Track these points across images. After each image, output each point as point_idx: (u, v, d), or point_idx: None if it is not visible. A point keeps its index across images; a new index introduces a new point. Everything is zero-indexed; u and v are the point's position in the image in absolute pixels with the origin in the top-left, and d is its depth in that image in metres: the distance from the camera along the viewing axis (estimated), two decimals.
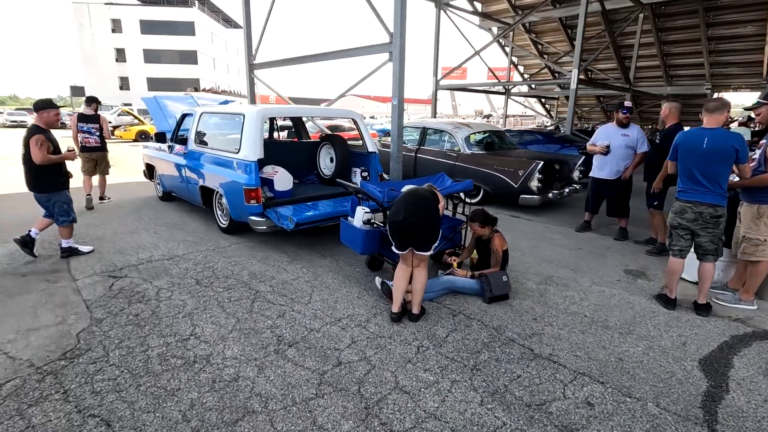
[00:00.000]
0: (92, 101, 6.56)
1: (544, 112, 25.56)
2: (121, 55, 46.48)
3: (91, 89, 45.99)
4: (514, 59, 19.30)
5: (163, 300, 3.32)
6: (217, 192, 5.03)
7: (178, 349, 2.63)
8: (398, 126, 6.28)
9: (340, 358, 2.57)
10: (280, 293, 3.47)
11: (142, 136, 20.07)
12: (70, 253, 4.29)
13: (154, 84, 46.99)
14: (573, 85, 11.15)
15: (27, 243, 4.14)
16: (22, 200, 6.59)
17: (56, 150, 4.11)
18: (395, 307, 2.99)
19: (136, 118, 21.55)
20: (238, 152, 4.46)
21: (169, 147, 6.00)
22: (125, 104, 33.59)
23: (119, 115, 24.19)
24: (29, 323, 2.94)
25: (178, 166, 5.67)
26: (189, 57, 47.28)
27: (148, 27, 45.77)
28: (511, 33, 16.11)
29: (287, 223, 4.04)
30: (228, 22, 58.65)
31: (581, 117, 23.15)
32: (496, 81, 18.69)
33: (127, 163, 11.92)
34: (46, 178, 4.09)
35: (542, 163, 6.24)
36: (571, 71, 12.92)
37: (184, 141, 5.99)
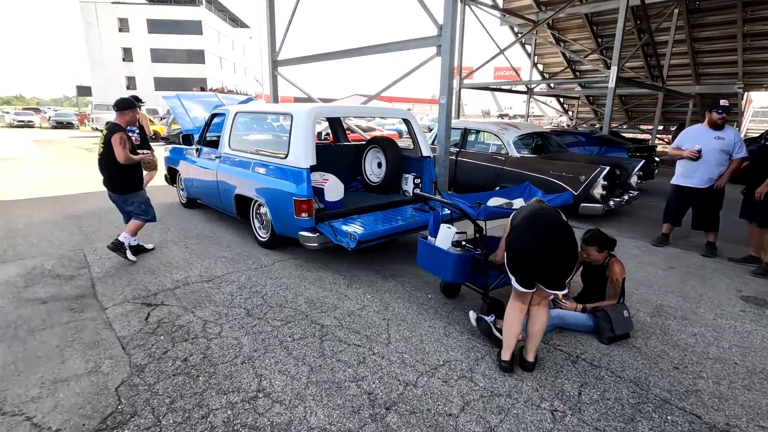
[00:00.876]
0: (136, 100, 6.18)
1: (562, 112, 24.91)
2: (128, 54, 46.13)
3: (98, 89, 45.67)
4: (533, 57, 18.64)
5: (213, 338, 2.76)
6: (256, 202, 4.48)
7: (248, 414, 2.06)
8: (446, 127, 5.71)
9: (458, 428, 1.99)
10: (350, 328, 2.90)
11: (152, 137, 19.59)
12: (117, 248, 3.99)
13: (160, 84, 46.60)
14: (611, 84, 10.53)
15: (121, 248, 4.02)
16: (34, 205, 6.06)
17: (132, 150, 4.01)
18: (506, 354, 2.41)
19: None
20: (285, 157, 3.89)
21: (197, 150, 5.45)
22: None
23: None
24: (56, 372, 2.38)
25: (208, 172, 5.12)
26: (196, 56, 46.86)
27: (156, 26, 45.39)
28: (534, 30, 15.49)
29: (347, 240, 3.47)
30: (235, 21, 58.22)
31: (601, 118, 22.49)
32: (519, 80, 18.09)
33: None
34: (126, 179, 3.96)
35: (608, 168, 5.65)
36: (597, 69, 12.28)
37: (213, 143, 5.44)
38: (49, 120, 30.95)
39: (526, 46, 18.44)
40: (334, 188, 4.11)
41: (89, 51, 45.53)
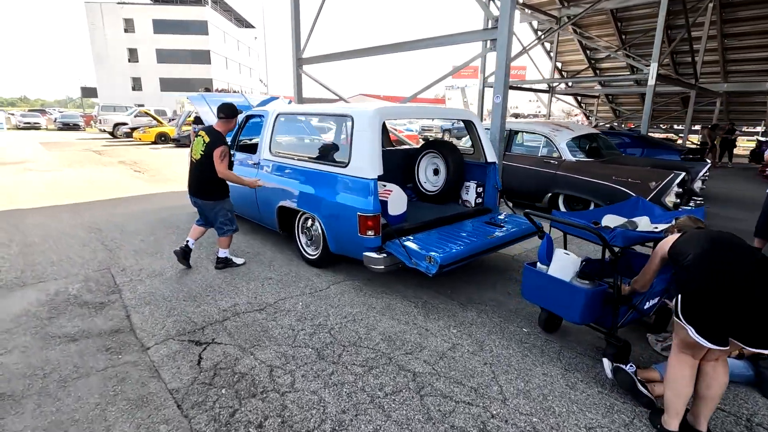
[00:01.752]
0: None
1: (566, 112, 24.32)
2: (133, 55, 45.77)
3: (103, 90, 45.33)
4: (547, 53, 18.09)
5: (287, 391, 2.24)
6: (304, 215, 3.97)
7: None
8: (500, 129, 5.20)
9: None
10: (449, 377, 2.38)
11: (162, 138, 19.15)
12: (225, 264, 3.97)
13: (166, 84, 46.26)
14: (651, 81, 10.01)
15: (186, 254, 3.93)
16: (49, 214, 5.57)
17: (229, 164, 3.85)
18: (673, 423, 1.89)
19: (154, 118, 20.59)
20: (346, 166, 3.38)
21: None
22: (138, 105, 32.76)
23: (136, 116, 23.31)
24: None
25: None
26: (202, 57, 46.47)
27: (161, 26, 45.02)
28: (557, 26, 14.95)
29: (426, 265, 2.96)
30: (240, 21, 57.83)
31: (619, 116, 21.91)
32: (541, 78, 17.56)
33: (156, 168, 10.91)
34: (217, 185, 3.75)
35: (683, 173, 5.11)
36: (621, 67, 11.76)
37: (248, 148, 4.95)
38: (55, 122, 30.60)
39: (545, 43, 17.91)
40: (397, 200, 3.59)
41: (94, 52, 45.21)
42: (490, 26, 5.33)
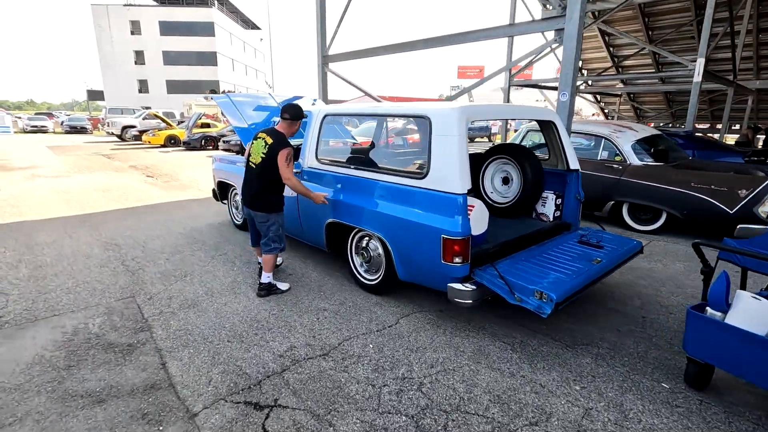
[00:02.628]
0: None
1: (596, 110, 23.62)
2: (140, 57, 45.51)
3: (110, 92, 45.10)
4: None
5: None
6: (359, 233, 3.39)
7: None
8: (568, 131, 4.60)
9: None
10: None
11: (172, 141, 18.67)
12: (269, 290, 3.44)
13: (173, 86, 45.96)
14: (698, 78, 9.37)
15: (272, 290, 3.46)
16: (60, 227, 5.02)
17: None
18: None
19: (163, 121, 20.11)
20: (423, 177, 2.79)
21: None
22: (145, 107, 32.41)
23: (144, 118, 22.88)
24: None
25: None
26: (208, 58, 46.14)
27: (168, 28, 44.74)
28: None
29: (535, 302, 2.36)
30: (246, 22, 57.52)
31: (641, 115, 21.21)
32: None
33: (170, 173, 10.37)
34: (276, 194, 3.33)
35: None
36: (648, 64, 11.10)
37: None
38: (62, 125, 30.27)
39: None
40: (480, 217, 2.99)
41: (101, 54, 44.97)
42: (552, 15, 4.72)
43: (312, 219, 3.76)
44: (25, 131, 28.72)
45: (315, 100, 5.88)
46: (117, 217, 5.95)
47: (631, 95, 20.47)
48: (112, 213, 6.19)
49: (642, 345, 2.69)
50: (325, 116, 3.75)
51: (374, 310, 3.17)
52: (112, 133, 22.85)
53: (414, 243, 2.83)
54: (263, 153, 3.16)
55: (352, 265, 3.58)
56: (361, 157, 3.69)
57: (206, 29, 45.47)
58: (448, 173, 2.65)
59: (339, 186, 3.48)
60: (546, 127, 3.72)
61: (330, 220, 3.54)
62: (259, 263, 3.74)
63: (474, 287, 2.62)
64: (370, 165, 3.39)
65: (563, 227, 3.69)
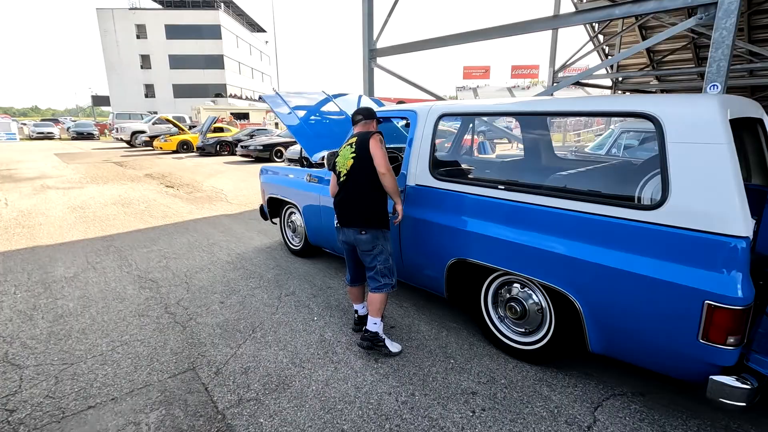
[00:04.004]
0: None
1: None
2: (146, 61, 44.84)
3: (116, 97, 44.44)
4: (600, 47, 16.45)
5: None
6: (505, 277, 2.45)
7: None
8: None
9: None
10: None
11: (184, 147, 17.81)
12: (372, 343, 2.52)
13: (179, 90, 45.27)
14: None
15: (377, 343, 2.52)
16: (81, 254, 4.08)
17: None
18: None
19: (175, 125, 19.23)
20: (656, 206, 1.84)
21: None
22: (152, 112, 31.61)
23: (154, 123, 22.06)
24: None
25: None
26: (215, 62, 45.43)
27: (174, 32, 44.06)
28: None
29: None
30: (252, 25, 56.86)
31: None
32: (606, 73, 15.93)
33: (190, 182, 9.46)
34: (379, 203, 2.48)
35: None
36: (688, 59, 10.13)
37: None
38: (68, 131, 29.55)
39: (599, 36, 16.29)
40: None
41: (106, 59, 44.32)
42: None
43: (423, 253, 2.81)
44: (31, 138, 28.01)
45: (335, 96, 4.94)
46: (145, 239, 5.03)
47: (662, 93, 19.49)
48: (137, 234, 5.27)
49: None
50: (441, 116, 2.80)
51: (543, 392, 2.21)
52: (121, 139, 22.05)
53: (635, 306, 1.87)
54: (352, 153, 2.46)
55: (487, 320, 2.63)
56: (515, 173, 2.74)
57: (213, 32, 44.77)
58: (713, 202, 1.69)
59: (473, 212, 2.53)
60: (747, 126, 2.75)
61: (455, 259, 2.59)
62: (356, 311, 2.82)
63: (748, 386, 1.66)
64: (535, 184, 2.43)
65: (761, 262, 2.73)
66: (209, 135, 17.21)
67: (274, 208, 4.61)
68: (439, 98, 6.36)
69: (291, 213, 4.39)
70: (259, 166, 12.84)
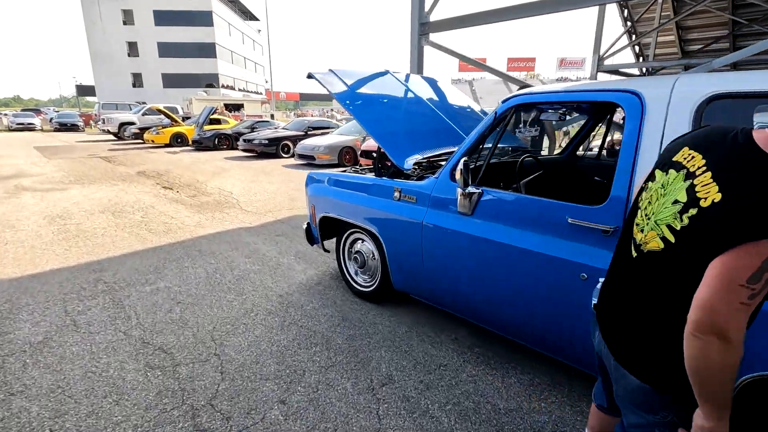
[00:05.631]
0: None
1: None
2: (133, 49, 42.74)
3: (102, 87, 42.26)
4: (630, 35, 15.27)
5: None
6: None
7: None
8: None
9: None
10: None
11: (178, 140, 16.34)
12: None
13: (169, 80, 43.30)
14: None
15: None
16: (59, 291, 2.78)
17: None
18: None
19: (167, 116, 17.63)
20: None
21: (471, 196, 2.17)
22: (140, 102, 29.77)
23: (144, 114, 20.46)
24: None
25: (562, 266, 1.85)
26: (207, 50, 43.48)
27: (163, 18, 41.97)
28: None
29: None
30: (244, 13, 54.74)
31: None
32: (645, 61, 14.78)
33: (191, 182, 8.09)
34: (675, 346, 0.85)
35: None
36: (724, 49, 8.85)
37: (502, 172, 2.22)
38: (51, 122, 27.69)
39: (627, 23, 15.12)
40: None
41: (91, 47, 42.13)
42: None
43: None
44: (10, 129, 26.15)
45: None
46: (145, 268, 3.73)
47: None
48: (134, 258, 3.97)
49: None
50: (712, 100, 1.55)
51: None
52: (108, 131, 20.41)
53: None
54: (678, 217, 0.88)
55: None
56: None
57: (204, 19, 42.79)
58: None
59: None
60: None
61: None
62: None
63: None
64: None
65: None
66: (206, 127, 15.75)
67: (326, 229, 3.35)
68: (523, 84, 5.11)
69: (356, 240, 3.14)
70: (266, 162, 11.48)
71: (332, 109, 48.72)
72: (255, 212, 5.94)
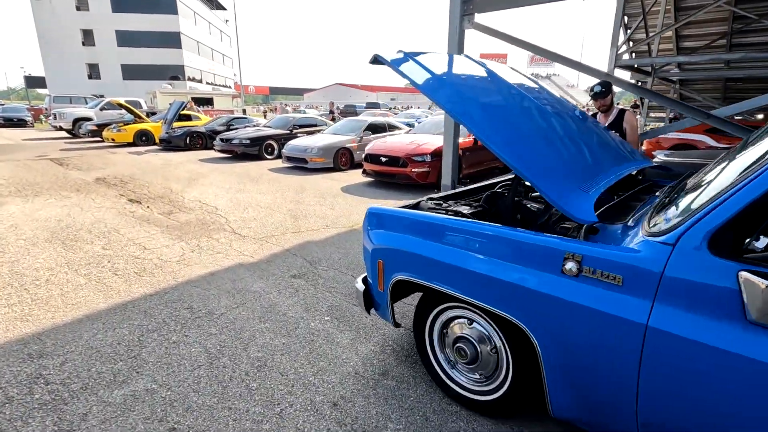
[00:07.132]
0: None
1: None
2: (88, 37, 39.40)
3: (53, 78, 38.73)
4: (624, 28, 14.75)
5: None
6: None
7: None
8: None
9: None
10: None
11: (143, 138, 14.55)
12: None
13: (130, 72, 40.29)
14: None
15: None
16: None
17: None
18: None
19: (129, 111, 15.67)
20: None
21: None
22: (97, 95, 27.12)
23: (102, 108, 18.39)
24: None
25: None
26: (171, 39, 40.68)
27: (122, 4, 38.85)
28: None
29: None
30: (210, 1, 51.73)
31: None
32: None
33: (162, 193, 6.66)
34: None
35: None
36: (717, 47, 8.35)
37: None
38: None
39: (625, 17, 14.55)
40: None
41: (40, 34, 38.51)
42: None
43: None
44: None
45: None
46: (111, 346, 2.46)
47: (684, 81, 18.17)
48: (94, 327, 2.68)
49: None
50: None
51: None
52: (61, 128, 18.19)
53: None
54: None
55: None
56: None
57: (167, 6, 39.98)
58: None
59: None
60: None
61: None
62: None
63: None
64: None
65: None
66: (176, 124, 14.07)
67: (398, 293, 2.20)
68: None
69: (456, 318, 2.01)
70: (249, 165, 10.04)
71: (284, 104, 46.25)
72: (253, 237, 4.69)
